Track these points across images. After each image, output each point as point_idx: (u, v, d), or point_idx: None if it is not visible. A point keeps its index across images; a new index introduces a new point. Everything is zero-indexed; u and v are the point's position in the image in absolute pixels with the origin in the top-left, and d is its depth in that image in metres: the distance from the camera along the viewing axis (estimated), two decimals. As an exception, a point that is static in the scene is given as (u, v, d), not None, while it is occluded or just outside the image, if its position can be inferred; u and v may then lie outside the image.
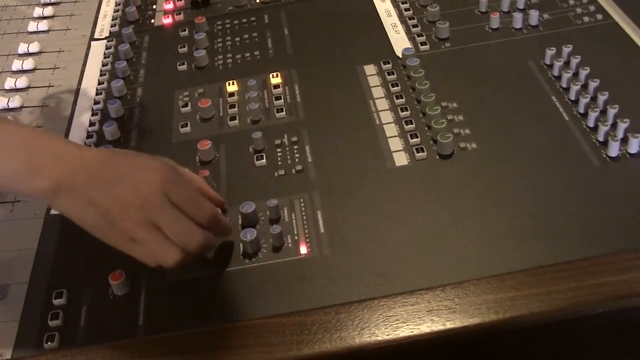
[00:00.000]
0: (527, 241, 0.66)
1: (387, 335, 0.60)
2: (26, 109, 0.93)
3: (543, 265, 0.63)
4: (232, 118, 0.85)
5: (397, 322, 0.60)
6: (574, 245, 0.65)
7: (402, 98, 0.83)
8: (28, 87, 0.96)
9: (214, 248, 0.68)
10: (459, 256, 0.65)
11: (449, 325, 0.59)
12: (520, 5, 0.94)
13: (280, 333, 0.61)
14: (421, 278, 0.64)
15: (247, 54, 0.96)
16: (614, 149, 0.72)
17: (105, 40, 1.03)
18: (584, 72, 0.80)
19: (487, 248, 0.66)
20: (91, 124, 0.88)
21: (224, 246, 0.69)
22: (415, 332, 0.59)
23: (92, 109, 0.90)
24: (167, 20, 1.05)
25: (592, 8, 0.92)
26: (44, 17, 1.09)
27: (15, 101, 0.92)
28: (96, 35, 1.05)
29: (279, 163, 0.78)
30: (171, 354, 0.62)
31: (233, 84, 0.90)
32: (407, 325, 0.60)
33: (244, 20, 1.02)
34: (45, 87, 0.96)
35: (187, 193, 0.63)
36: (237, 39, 0.99)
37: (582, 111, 0.77)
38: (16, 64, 0.99)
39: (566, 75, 0.81)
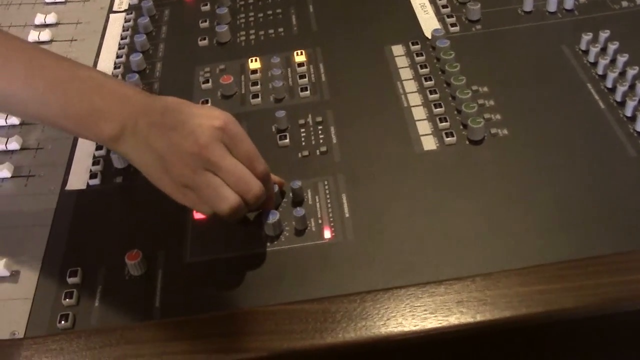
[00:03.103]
0: (557, 233, 0.63)
1: (415, 326, 0.57)
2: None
3: (575, 258, 0.61)
4: (255, 96, 0.82)
5: (425, 312, 0.58)
6: (607, 238, 0.62)
7: (431, 80, 0.80)
8: (45, 59, 0.93)
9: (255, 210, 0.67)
10: (486, 246, 0.63)
11: (479, 317, 0.57)
12: (555, -12, 0.90)
13: (303, 320, 0.59)
14: (447, 267, 0.62)
15: (271, 31, 0.93)
16: (652, 140, 0.69)
17: (124, 13, 1.01)
18: (622, 59, 0.77)
19: (516, 238, 0.63)
20: (109, 98, 0.85)
21: (244, 228, 0.67)
22: (444, 323, 0.57)
23: (110, 83, 0.88)
24: (188, -6, 1.03)
25: (630, -8, 0.89)
26: (62, -12, 1.07)
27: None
28: (115, 8, 1.02)
29: (303, 144, 0.75)
30: (187, 338, 0.60)
31: (256, 61, 0.87)
32: (435, 316, 0.58)
33: (268, -4, 1.00)
34: (62, 59, 0.93)
35: (247, 146, 0.63)
36: (260, 14, 0.96)
37: (619, 100, 0.74)
38: (32, 35, 0.96)
39: (603, 62, 0.77)
